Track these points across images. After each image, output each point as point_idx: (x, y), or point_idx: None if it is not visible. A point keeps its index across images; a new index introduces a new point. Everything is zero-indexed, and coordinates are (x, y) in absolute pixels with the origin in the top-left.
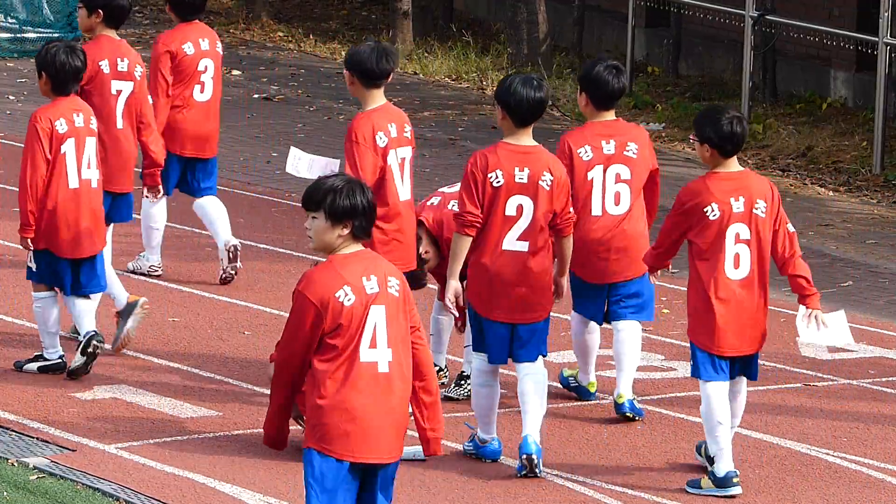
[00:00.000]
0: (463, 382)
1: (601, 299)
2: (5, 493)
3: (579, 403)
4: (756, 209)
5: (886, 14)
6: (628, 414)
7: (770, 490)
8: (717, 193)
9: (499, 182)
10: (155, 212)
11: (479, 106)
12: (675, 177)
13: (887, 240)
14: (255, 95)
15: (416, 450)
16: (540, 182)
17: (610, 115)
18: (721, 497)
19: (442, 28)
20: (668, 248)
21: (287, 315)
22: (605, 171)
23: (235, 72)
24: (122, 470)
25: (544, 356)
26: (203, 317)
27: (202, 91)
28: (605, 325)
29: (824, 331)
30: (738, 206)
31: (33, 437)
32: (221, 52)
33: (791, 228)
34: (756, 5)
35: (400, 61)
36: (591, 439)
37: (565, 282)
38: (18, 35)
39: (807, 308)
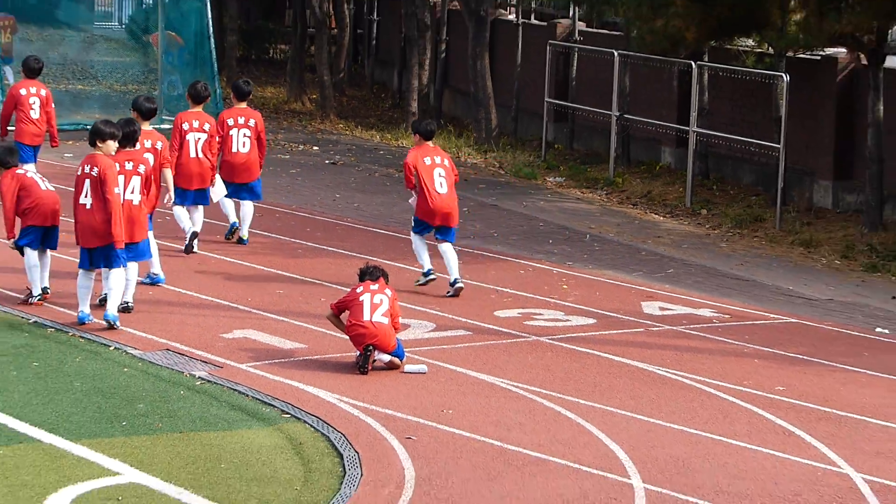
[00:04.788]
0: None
1: None
2: (181, 392)
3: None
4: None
5: (694, 113)
6: None
7: (615, 395)
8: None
9: None
10: None
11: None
12: (570, 210)
13: (694, 245)
14: (327, 161)
15: (418, 367)
16: None
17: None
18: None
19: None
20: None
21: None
22: None
23: (314, 147)
24: (251, 380)
25: None
26: (297, 289)
27: None
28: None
29: None
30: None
31: (197, 360)
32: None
33: None
34: (618, 107)
35: (406, 143)
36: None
37: None
38: None
39: None
